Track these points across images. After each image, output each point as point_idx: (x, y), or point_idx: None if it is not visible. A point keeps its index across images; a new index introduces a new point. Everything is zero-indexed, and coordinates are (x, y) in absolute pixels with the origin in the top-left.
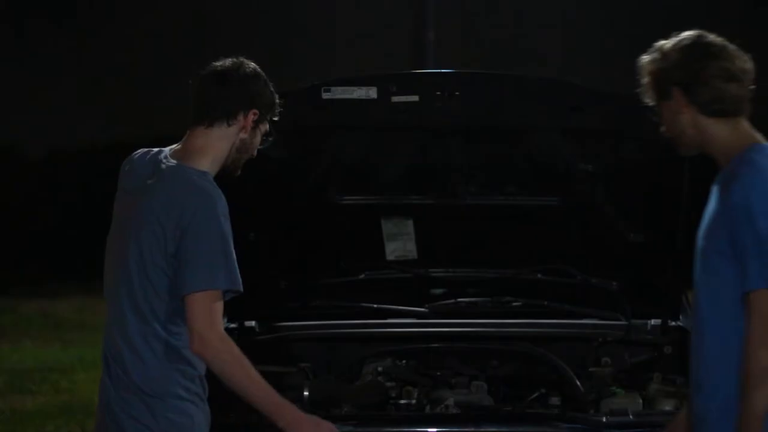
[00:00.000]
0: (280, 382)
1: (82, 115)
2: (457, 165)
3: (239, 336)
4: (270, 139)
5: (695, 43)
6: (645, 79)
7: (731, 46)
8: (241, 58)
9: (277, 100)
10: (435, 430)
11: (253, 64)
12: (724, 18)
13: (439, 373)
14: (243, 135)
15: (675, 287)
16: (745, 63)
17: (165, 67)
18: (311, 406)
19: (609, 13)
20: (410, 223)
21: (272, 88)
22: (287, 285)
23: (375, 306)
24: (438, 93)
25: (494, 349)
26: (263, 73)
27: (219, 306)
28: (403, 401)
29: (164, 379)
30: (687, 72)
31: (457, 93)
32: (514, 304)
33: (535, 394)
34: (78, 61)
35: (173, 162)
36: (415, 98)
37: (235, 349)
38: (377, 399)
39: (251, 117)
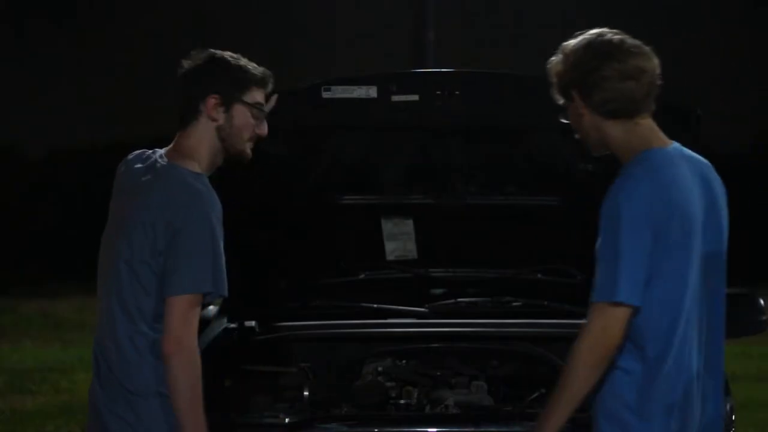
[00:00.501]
0: (280, 382)
1: (82, 115)
2: (457, 165)
3: (239, 336)
4: (264, 110)
5: (590, 44)
6: (553, 80)
7: (630, 43)
8: (200, 51)
9: (248, 74)
10: (435, 430)
11: (209, 53)
12: (724, 18)
13: (439, 373)
14: (216, 122)
15: None
16: (644, 61)
17: (165, 67)
18: (311, 406)
19: (609, 13)
20: (410, 223)
21: (239, 65)
22: (287, 285)
23: (375, 306)
24: (438, 93)
25: (494, 349)
26: (223, 56)
27: (198, 311)
28: (403, 401)
29: (149, 377)
30: (581, 73)
31: (457, 92)
32: (514, 304)
33: (535, 394)
34: (78, 61)
35: (168, 162)
36: (415, 98)
37: (200, 369)
38: (377, 399)
39: (211, 102)
